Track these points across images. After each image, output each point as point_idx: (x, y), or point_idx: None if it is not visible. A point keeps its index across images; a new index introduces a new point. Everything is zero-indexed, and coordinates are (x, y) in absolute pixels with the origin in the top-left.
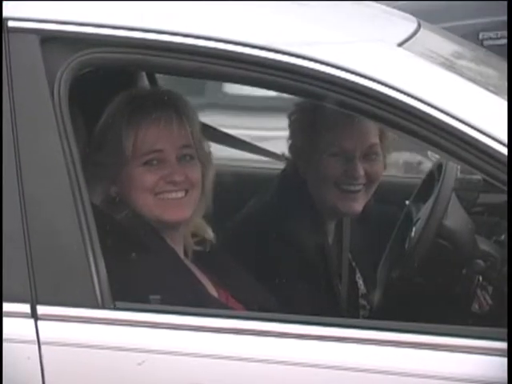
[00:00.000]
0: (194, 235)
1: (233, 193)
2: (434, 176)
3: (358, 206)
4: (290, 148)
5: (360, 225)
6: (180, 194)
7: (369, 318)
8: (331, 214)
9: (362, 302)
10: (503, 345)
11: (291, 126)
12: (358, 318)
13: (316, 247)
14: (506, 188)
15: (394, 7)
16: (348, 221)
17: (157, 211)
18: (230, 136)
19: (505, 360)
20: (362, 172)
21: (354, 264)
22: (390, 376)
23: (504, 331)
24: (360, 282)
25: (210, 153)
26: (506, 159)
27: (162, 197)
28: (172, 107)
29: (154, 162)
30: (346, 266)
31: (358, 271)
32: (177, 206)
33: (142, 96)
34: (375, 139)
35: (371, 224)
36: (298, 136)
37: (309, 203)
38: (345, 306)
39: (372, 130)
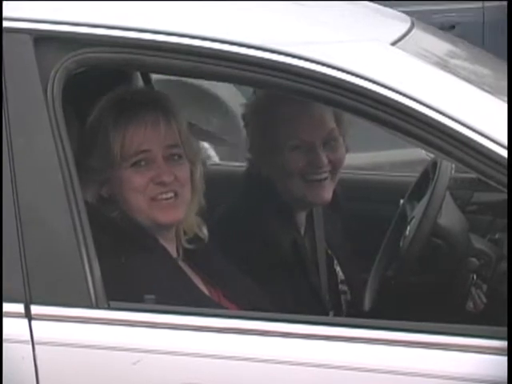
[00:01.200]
0: (185, 232)
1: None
2: (429, 174)
3: (327, 194)
4: (250, 148)
5: (332, 212)
6: (170, 195)
7: (361, 316)
8: (301, 206)
9: (343, 287)
10: (503, 344)
11: (247, 127)
12: (339, 303)
13: (290, 240)
14: (499, 187)
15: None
16: (319, 210)
17: (150, 213)
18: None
19: (505, 359)
20: (325, 160)
21: (330, 252)
22: (399, 376)
23: (504, 330)
24: (338, 268)
25: (198, 151)
26: (500, 158)
27: (154, 199)
28: (159, 107)
29: (142, 163)
30: (322, 255)
31: (335, 259)
32: (170, 208)
33: (129, 97)
34: (332, 124)
35: (344, 211)
36: (256, 135)
37: (276, 199)
38: (326, 293)
39: (327, 116)
